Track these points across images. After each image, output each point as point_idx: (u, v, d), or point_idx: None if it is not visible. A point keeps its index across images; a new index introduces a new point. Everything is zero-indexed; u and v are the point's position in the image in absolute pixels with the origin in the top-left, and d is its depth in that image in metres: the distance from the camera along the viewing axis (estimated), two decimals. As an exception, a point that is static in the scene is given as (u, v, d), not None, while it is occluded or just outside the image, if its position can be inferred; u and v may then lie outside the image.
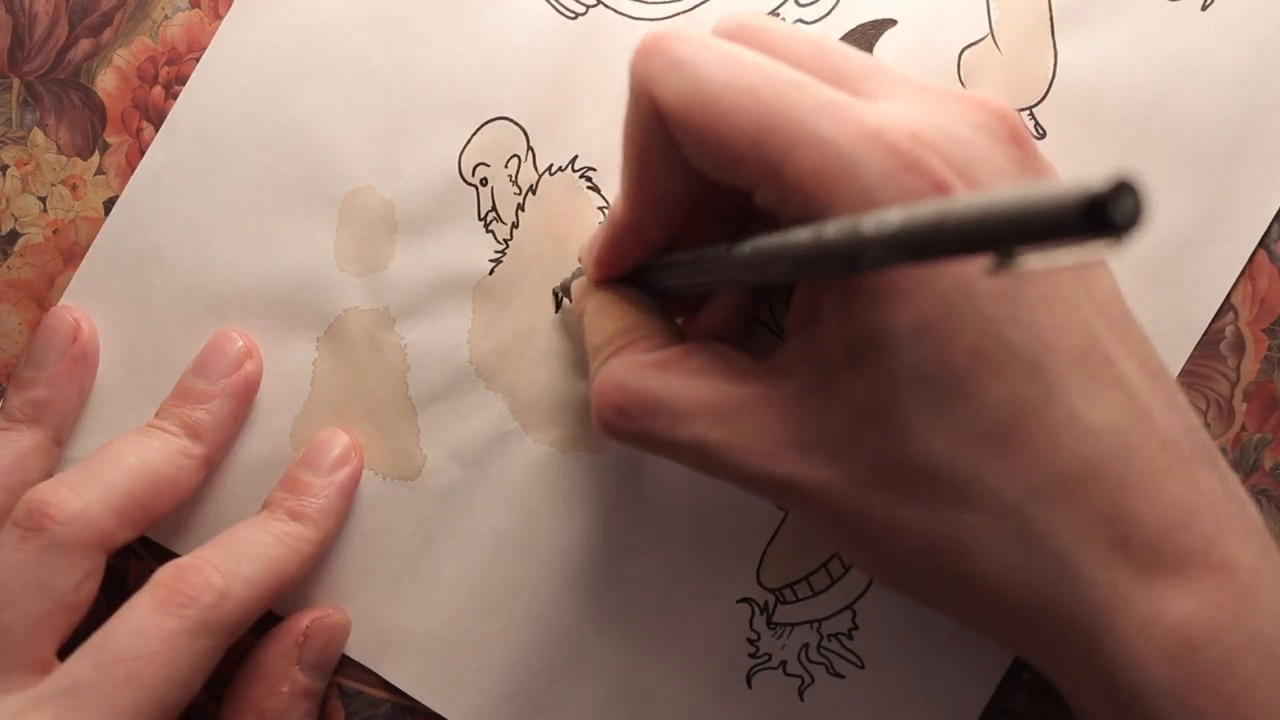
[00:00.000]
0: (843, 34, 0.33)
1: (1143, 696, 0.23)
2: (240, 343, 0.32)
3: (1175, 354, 0.33)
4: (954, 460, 0.23)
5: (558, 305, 0.33)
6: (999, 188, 0.23)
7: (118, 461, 0.30)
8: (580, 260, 0.33)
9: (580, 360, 0.33)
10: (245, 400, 0.33)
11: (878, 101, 0.25)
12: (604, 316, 0.28)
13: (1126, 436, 0.24)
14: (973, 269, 0.23)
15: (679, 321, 0.30)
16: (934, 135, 0.23)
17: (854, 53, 0.26)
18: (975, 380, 0.23)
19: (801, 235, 0.22)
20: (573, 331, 0.33)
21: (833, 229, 0.21)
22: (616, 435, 0.27)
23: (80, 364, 0.32)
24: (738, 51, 0.24)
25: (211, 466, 0.32)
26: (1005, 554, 0.23)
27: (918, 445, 0.23)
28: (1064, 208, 0.16)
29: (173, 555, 0.33)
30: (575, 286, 0.31)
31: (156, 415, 0.32)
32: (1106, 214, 0.16)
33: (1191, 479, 0.24)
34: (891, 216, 0.20)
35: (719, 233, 0.27)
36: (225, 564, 0.29)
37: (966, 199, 0.18)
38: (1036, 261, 0.18)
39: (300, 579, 0.31)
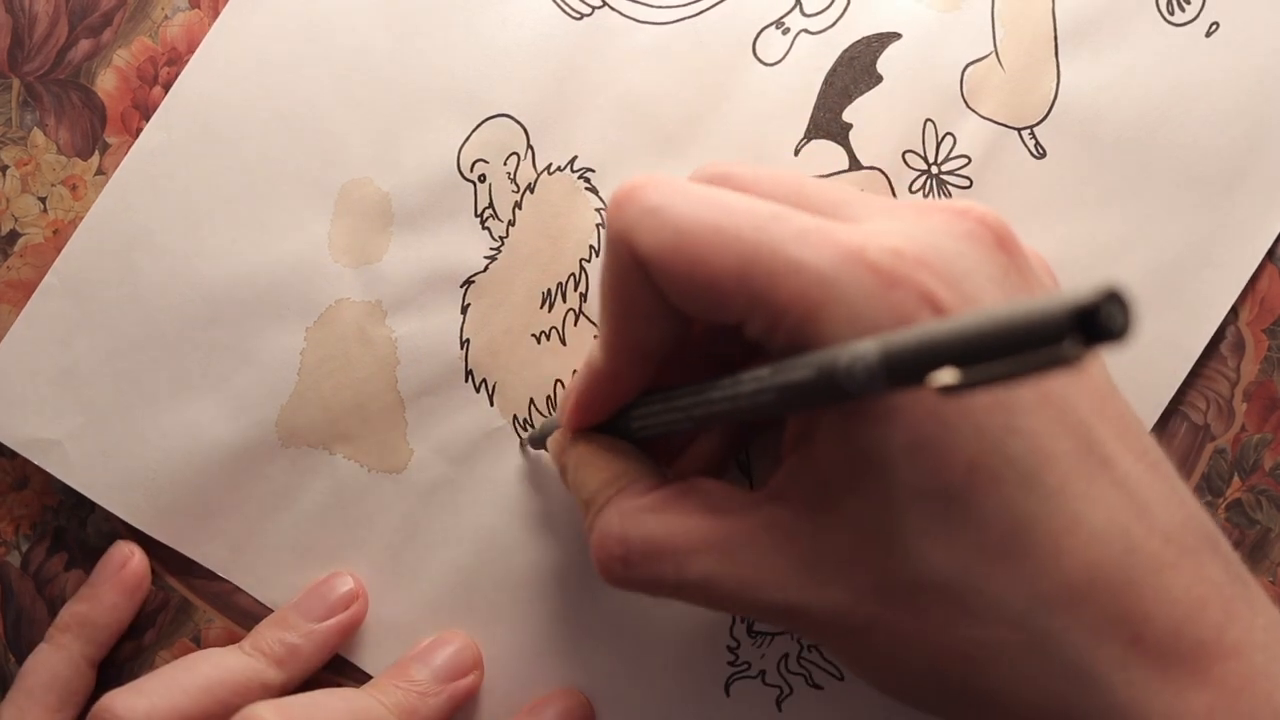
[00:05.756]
0: (846, 46, 0.33)
1: None
2: (350, 585, 0.33)
3: (1169, 379, 0.33)
4: (958, 574, 0.23)
5: (524, 451, 0.33)
6: (988, 296, 0.23)
7: (192, 669, 0.31)
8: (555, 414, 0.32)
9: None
10: (341, 642, 0.33)
11: (859, 223, 0.24)
12: (590, 469, 0.28)
13: (1129, 536, 0.23)
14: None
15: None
16: (917, 249, 0.23)
17: (831, 184, 0.26)
18: (973, 493, 0.23)
19: (786, 374, 0.22)
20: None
21: (805, 365, 0.22)
22: (623, 586, 0.26)
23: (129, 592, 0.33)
24: (713, 192, 0.24)
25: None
26: (1018, 665, 0.23)
27: (920, 561, 0.23)
28: (1052, 324, 0.16)
29: (178, 555, 0.33)
30: (552, 442, 0.30)
31: (249, 638, 0.33)
32: (1098, 324, 0.16)
33: (1197, 570, 0.24)
34: (868, 346, 0.20)
35: (696, 375, 0.27)
36: None
37: (943, 324, 0.18)
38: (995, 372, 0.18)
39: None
